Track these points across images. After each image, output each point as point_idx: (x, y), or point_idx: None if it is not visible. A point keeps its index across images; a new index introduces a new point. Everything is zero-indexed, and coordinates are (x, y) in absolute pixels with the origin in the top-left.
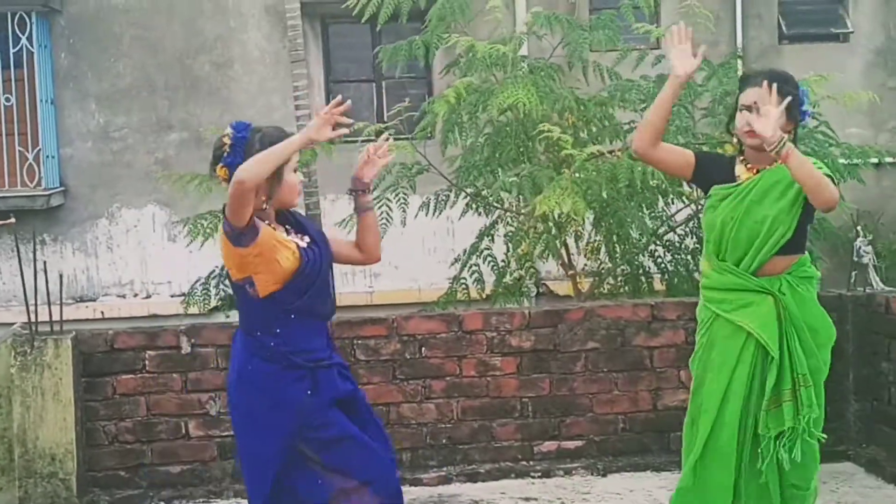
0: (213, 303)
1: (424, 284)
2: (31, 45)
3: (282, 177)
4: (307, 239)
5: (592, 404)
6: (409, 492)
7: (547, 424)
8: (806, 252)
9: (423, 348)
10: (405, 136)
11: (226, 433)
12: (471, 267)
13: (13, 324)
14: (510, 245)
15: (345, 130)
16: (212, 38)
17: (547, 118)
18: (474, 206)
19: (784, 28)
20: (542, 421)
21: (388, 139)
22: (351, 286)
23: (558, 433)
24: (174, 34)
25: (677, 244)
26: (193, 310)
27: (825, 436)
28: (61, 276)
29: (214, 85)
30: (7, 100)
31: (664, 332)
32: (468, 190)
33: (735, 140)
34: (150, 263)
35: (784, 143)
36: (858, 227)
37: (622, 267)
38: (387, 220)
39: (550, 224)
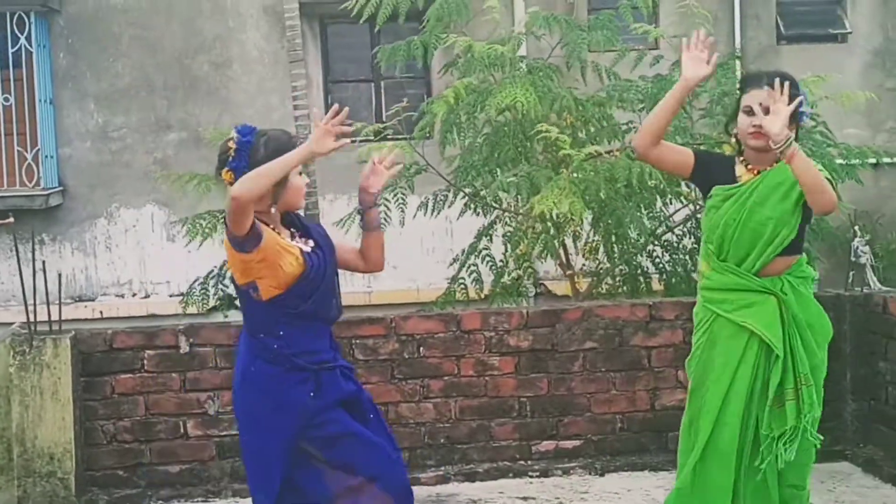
0: (212, 302)
1: (423, 284)
2: (30, 45)
3: (287, 179)
4: (311, 243)
5: (590, 404)
6: None
7: (545, 424)
8: (803, 253)
9: (422, 348)
10: (403, 137)
11: (224, 433)
12: (469, 267)
13: (12, 323)
14: (508, 245)
15: (347, 141)
16: (210, 38)
17: (545, 118)
18: (473, 206)
19: (782, 28)
20: (540, 420)
21: (393, 150)
22: (349, 286)
23: (556, 433)
24: (173, 34)
25: (675, 244)
26: (192, 309)
27: (821, 437)
28: (60, 276)
29: (213, 85)
30: (6, 100)
31: (662, 332)
32: (466, 190)
33: (734, 141)
34: (148, 263)
35: (790, 143)
36: (856, 228)
37: (620, 267)
38: (385, 220)
39: (549, 224)
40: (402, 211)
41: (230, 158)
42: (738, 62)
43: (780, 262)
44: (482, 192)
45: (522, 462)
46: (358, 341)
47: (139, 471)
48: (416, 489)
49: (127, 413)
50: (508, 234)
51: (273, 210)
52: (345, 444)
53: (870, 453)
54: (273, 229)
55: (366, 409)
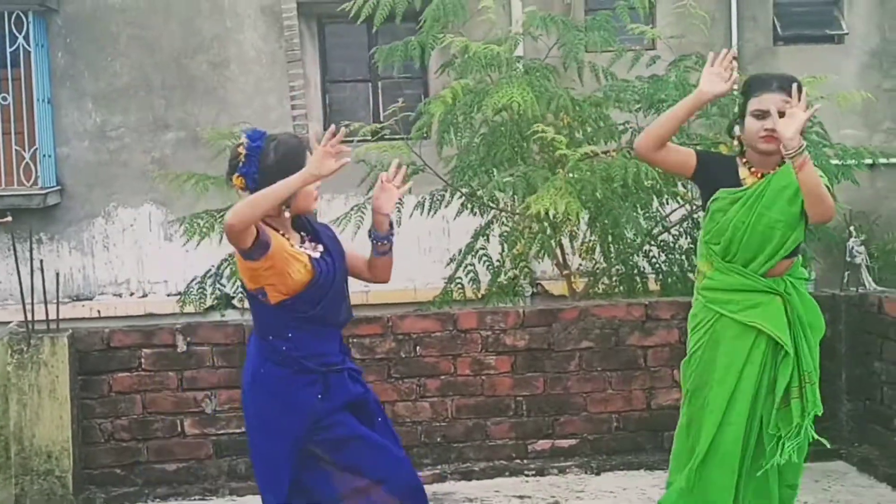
0: (209, 302)
1: (420, 284)
2: (28, 45)
3: None
4: (320, 248)
5: (586, 403)
6: None
7: (541, 423)
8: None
9: (418, 347)
10: (401, 137)
11: (221, 431)
12: (466, 267)
13: (10, 322)
14: (505, 245)
15: (347, 160)
16: (208, 37)
17: (542, 118)
18: (469, 206)
19: (779, 29)
20: (536, 419)
21: (400, 166)
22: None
23: (552, 432)
24: (171, 34)
25: (671, 244)
26: (189, 309)
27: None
28: (58, 275)
29: (211, 85)
30: (4, 99)
31: (658, 332)
32: (463, 190)
33: (735, 143)
34: (146, 262)
35: (802, 150)
36: (851, 228)
37: (617, 267)
38: None
39: (545, 224)
40: (399, 211)
41: (240, 164)
42: (735, 63)
43: (784, 264)
44: (479, 192)
45: (518, 461)
46: (355, 340)
47: (136, 469)
48: None
49: (124, 411)
50: (505, 233)
51: (287, 214)
52: (352, 446)
53: (865, 453)
54: (283, 234)
55: (373, 412)
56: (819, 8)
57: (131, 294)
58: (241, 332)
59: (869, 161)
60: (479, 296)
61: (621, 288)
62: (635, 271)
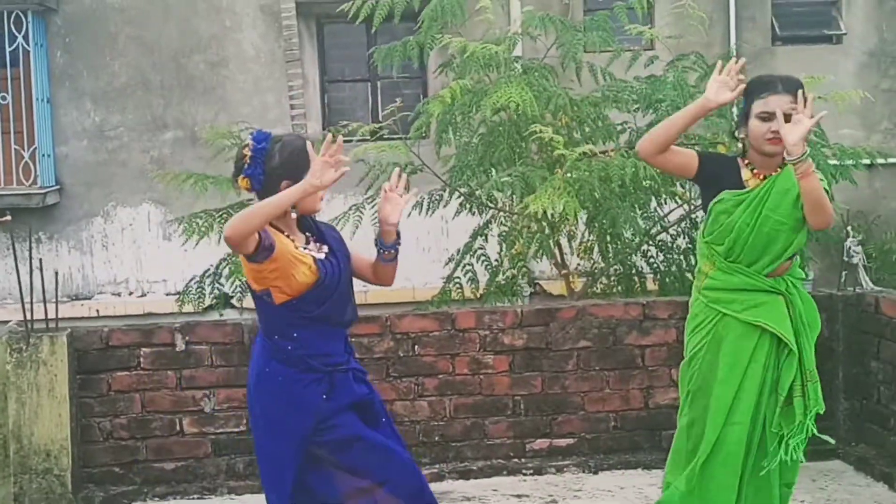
0: (208, 301)
1: (419, 284)
2: (27, 44)
3: None
4: (325, 249)
5: (584, 402)
6: None
7: (539, 422)
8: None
9: (416, 346)
10: (399, 136)
11: (220, 430)
12: (464, 266)
13: (9, 321)
14: (504, 245)
15: (346, 169)
16: (207, 37)
17: (541, 118)
18: (468, 205)
19: (777, 30)
20: (533, 419)
21: (401, 175)
22: None
23: (550, 431)
24: (169, 33)
25: (669, 244)
26: (188, 308)
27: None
28: (57, 275)
29: (210, 84)
30: (3, 98)
31: (655, 331)
32: (462, 190)
33: (741, 145)
34: (145, 262)
35: (806, 157)
36: (848, 228)
37: (615, 267)
38: None
39: (544, 224)
40: None
41: (246, 166)
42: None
43: (785, 264)
44: (477, 192)
45: (516, 460)
46: (353, 339)
47: (135, 468)
48: None
49: (123, 410)
50: (503, 233)
51: (293, 215)
52: (355, 448)
53: (862, 452)
54: (288, 235)
55: (378, 413)
56: (817, 8)
57: (130, 293)
58: (240, 332)
59: (867, 161)
60: (478, 295)
61: (619, 288)
62: (633, 271)
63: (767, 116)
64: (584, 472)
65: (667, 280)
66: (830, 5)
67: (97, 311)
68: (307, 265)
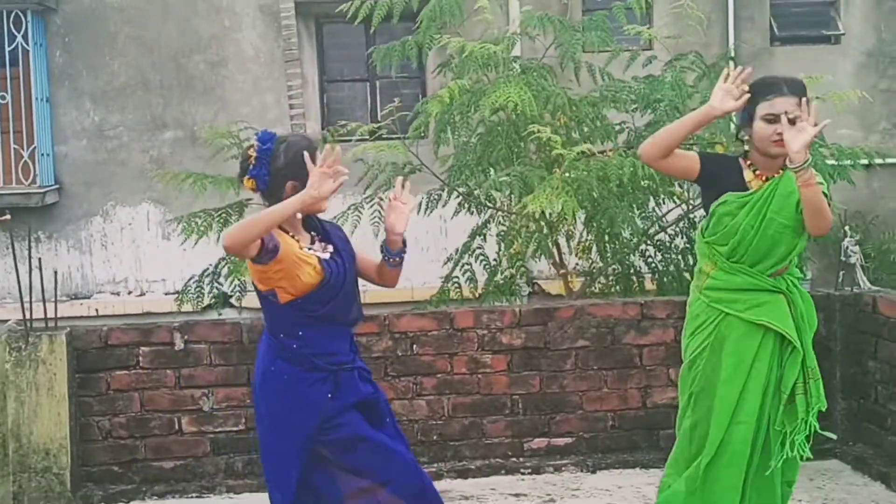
0: (207, 300)
1: (417, 283)
2: (27, 44)
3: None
4: (330, 248)
5: (582, 402)
6: None
7: (537, 421)
8: None
9: (415, 345)
10: (398, 136)
11: (218, 429)
12: (463, 266)
13: (8, 320)
14: (502, 244)
15: (344, 179)
16: (206, 37)
17: (539, 118)
18: (466, 205)
19: (776, 30)
20: (532, 418)
21: (404, 184)
22: None
23: (548, 430)
24: (169, 33)
25: (668, 244)
26: (187, 307)
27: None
28: (56, 274)
29: (209, 84)
30: (2, 98)
31: (654, 331)
32: (460, 189)
33: (746, 147)
34: (144, 261)
35: (807, 165)
36: (846, 228)
37: (613, 266)
38: (379, 219)
39: (542, 223)
40: None
41: (251, 166)
42: (731, 63)
43: (786, 264)
44: (476, 192)
45: (514, 459)
46: None
47: (134, 466)
48: None
49: (122, 409)
50: (502, 233)
51: (299, 215)
52: (359, 448)
53: (859, 451)
54: (293, 236)
55: (383, 412)
56: (816, 9)
57: (129, 293)
58: (239, 331)
59: (865, 161)
60: (476, 295)
61: (618, 287)
62: (632, 271)
63: (773, 118)
64: (582, 471)
65: (665, 280)
66: (829, 6)
67: (96, 310)
68: (312, 265)
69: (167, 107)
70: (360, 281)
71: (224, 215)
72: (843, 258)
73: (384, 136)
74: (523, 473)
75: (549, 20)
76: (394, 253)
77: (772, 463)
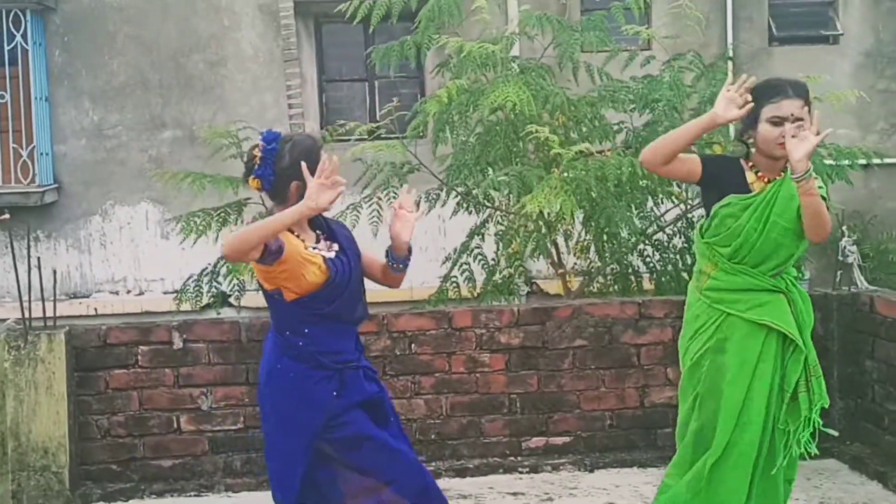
0: (206, 299)
1: (416, 283)
2: (26, 43)
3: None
4: (335, 247)
5: (580, 401)
6: None
7: (535, 420)
8: None
9: (413, 345)
10: (396, 136)
11: (217, 428)
12: (461, 265)
13: (6, 319)
14: (500, 244)
15: (342, 188)
16: (205, 36)
17: (538, 118)
18: (465, 204)
19: (774, 30)
20: (530, 417)
21: (409, 192)
22: None
23: (546, 429)
24: (168, 32)
25: (666, 244)
26: (186, 306)
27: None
28: (55, 273)
29: (208, 83)
30: (1, 97)
31: (651, 330)
32: (459, 189)
33: (753, 150)
34: (143, 260)
35: (809, 175)
36: (844, 228)
37: (611, 266)
38: (377, 219)
39: (540, 223)
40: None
41: (256, 166)
42: (730, 63)
43: (787, 266)
44: (474, 191)
45: (512, 458)
46: None
47: (132, 465)
48: None
49: (120, 408)
50: (500, 232)
51: None
52: (364, 447)
53: (856, 451)
54: (298, 235)
55: (387, 412)
56: (814, 9)
57: (128, 292)
58: (237, 330)
59: (863, 161)
60: (475, 294)
61: (616, 287)
62: (630, 270)
63: (780, 121)
64: (579, 470)
65: (663, 279)
66: (827, 6)
67: (95, 309)
68: (317, 265)
69: (166, 106)
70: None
71: (223, 214)
72: (840, 258)
73: (383, 135)
74: (521, 472)
75: (548, 20)
76: (399, 260)
77: (777, 462)
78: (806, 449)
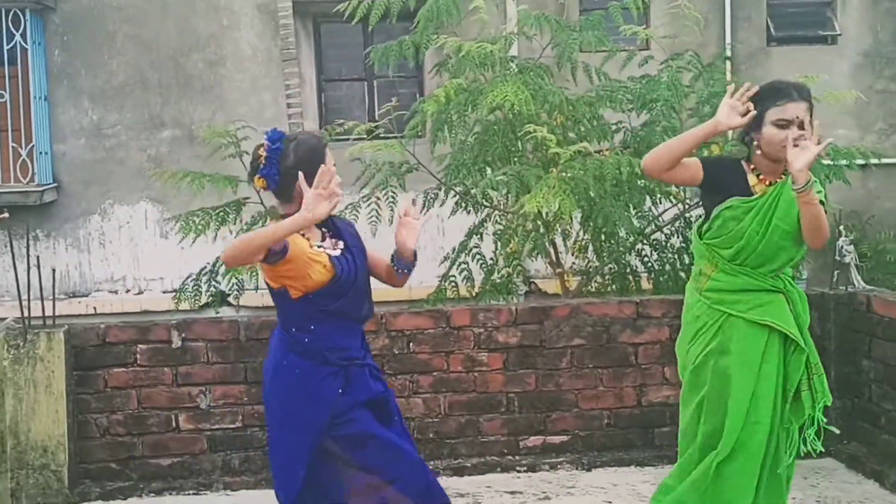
0: (205, 299)
1: (415, 282)
2: (25, 42)
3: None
4: (341, 245)
5: (578, 400)
6: None
7: (533, 419)
8: None
9: (411, 344)
10: (395, 135)
11: (216, 426)
12: (460, 265)
13: (6, 318)
14: (499, 243)
15: (340, 197)
16: (205, 36)
17: (536, 117)
18: (463, 204)
19: (772, 30)
20: (527, 416)
21: (415, 201)
22: None
23: (544, 428)
24: (167, 32)
25: (664, 243)
26: (185, 305)
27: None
28: (54, 272)
29: (207, 83)
30: (1, 96)
31: (649, 329)
32: (457, 188)
33: (758, 152)
34: (142, 260)
35: (810, 185)
36: (841, 227)
37: (609, 265)
38: (376, 218)
39: (539, 223)
40: (392, 209)
41: (261, 166)
42: (728, 63)
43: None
44: (472, 191)
45: (510, 457)
46: None
47: (131, 464)
48: None
49: (119, 407)
50: (499, 232)
51: None
52: (369, 445)
53: (853, 450)
54: (303, 234)
55: (392, 411)
56: (812, 9)
57: (127, 291)
58: (236, 329)
59: (861, 161)
60: (473, 294)
61: (614, 286)
62: (628, 270)
63: (785, 124)
64: (577, 469)
65: (661, 279)
66: (825, 6)
67: (94, 308)
68: (322, 263)
69: (165, 106)
70: None
71: (222, 214)
72: (837, 258)
73: (381, 135)
74: (519, 471)
75: (546, 20)
76: (405, 265)
77: (783, 460)
78: (812, 447)
